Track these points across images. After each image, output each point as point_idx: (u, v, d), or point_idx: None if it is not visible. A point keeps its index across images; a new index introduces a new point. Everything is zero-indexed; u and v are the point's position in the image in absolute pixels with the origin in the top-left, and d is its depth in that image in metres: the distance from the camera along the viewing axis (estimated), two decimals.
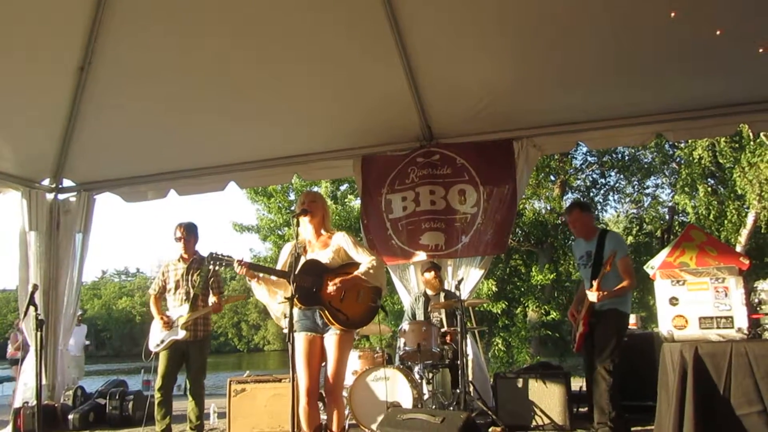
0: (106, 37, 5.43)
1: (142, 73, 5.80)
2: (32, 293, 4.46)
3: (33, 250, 6.99)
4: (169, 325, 5.32)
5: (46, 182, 7.24)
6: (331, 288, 3.81)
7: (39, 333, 4.30)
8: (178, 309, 5.36)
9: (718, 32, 4.52)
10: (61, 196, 7.37)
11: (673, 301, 3.31)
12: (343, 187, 18.94)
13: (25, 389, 6.70)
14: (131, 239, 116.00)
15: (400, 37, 5.46)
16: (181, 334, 5.24)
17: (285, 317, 4.10)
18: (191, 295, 5.32)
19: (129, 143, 6.79)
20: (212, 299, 5.38)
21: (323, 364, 4.01)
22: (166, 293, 5.51)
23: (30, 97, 5.95)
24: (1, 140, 6.45)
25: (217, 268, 3.94)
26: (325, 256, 3.99)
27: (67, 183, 7.38)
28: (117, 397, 6.73)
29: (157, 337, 5.36)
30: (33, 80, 5.73)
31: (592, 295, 4.62)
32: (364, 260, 3.96)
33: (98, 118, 6.32)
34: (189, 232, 5.52)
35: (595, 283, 4.60)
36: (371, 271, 3.91)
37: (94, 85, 5.91)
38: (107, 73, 5.78)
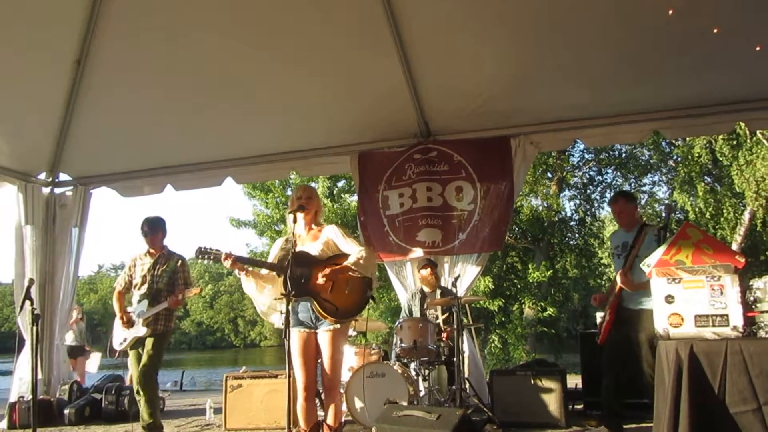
0: (103, 30, 5.41)
1: (139, 67, 5.78)
2: (28, 288, 4.46)
3: (29, 244, 6.98)
4: (129, 323, 5.17)
5: (42, 176, 7.22)
6: (320, 279, 3.83)
7: (35, 327, 4.30)
8: (140, 305, 5.22)
9: (715, 30, 4.53)
10: (57, 190, 7.36)
11: (669, 299, 3.31)
12: (339, 184, 18.93)
13: (20, 383, 6.69)
14: (127, 234, 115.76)
15: (398, 34, 5.45)
16: (143, 331, 5.10)
17: (274, 311, 4.12)
18: (154, 290, 5.19)
19: (126, 138, 6.77)
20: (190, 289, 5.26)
21: (319, 360, 4.02)
22: (132, 288, 5.35)
23: (26, 90, 5.93)
24: None
25: (206, 262, 3.94)
26: (314, 249, 4.01)
27: (63, 177, 7.36)
28: (113, 392, 6.70)
29: (119, 335, 5.22)
30: (29, 73, 5.71)
31: (619, 279, 4.72)
32: (353, 251, 3.98)
33: (95, 112, 6.30)
34: (154, 227, 5.35)
35: (622, 271, 4.72)
36: (360, 261, 3.92)
37: (91, 78, 5.90)
38: (104, 67, 5.76)
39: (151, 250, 5.37)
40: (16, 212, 6.97)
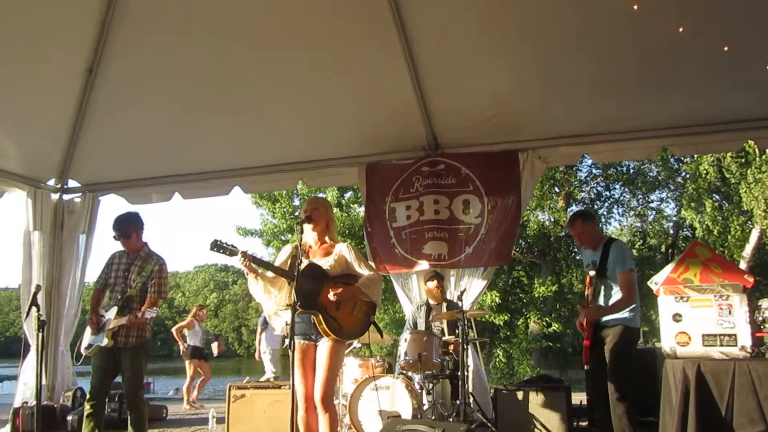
0: (114, 39, 5.45)
1: (150, 75, 5.83)
2: (35, 294, 4.45)
3: (36, 249, 7.00)
4: (97, 328, 4.73)
5: (51, 182, 7.26)
6: (330, 296, 3.81)
7: (41, 333, 4.30)
8: (110, 311, 4.76)
9: (726, 48, 4.53)
10: (65, 197, 7.39)
11: (677, 317, 3.30)
12: (347, 195, 18.96)
13: (25, 389, 6.70)
14: None
15: (408, 47, 5.47)
16: (105, 342, 4.62)
17: (278, 316, 4.08)
18: (126, 296, 4.74)
19: (135, 145, 6.81)
20: (152, 309, 4.67)
21: None
22: (107, 289, 4.89)
23: (38, 97, 5.97)
24: (8, 139, 6.47)
25: (220, 252, 3.82)
26: (325, 263, 3.98)
27: (72, 184, 7.39)
28: (116, 399, 6.68)
29: (86, 340, 4.83)
30: (41, 80, 5.76)
31: (583, 314, 4.62)
32: (364, 273, 3.97)
33: (105, 119, 6.34)
34: (123, 227, 4.88)
35: (586, 310, 4.60)
36: (370, 284, 3.93)
37: (102, 86, 5.93)
38: (115, 76, 5.80)
39: (128, 251, 4.92)
40: (24, 218, 6.99)
